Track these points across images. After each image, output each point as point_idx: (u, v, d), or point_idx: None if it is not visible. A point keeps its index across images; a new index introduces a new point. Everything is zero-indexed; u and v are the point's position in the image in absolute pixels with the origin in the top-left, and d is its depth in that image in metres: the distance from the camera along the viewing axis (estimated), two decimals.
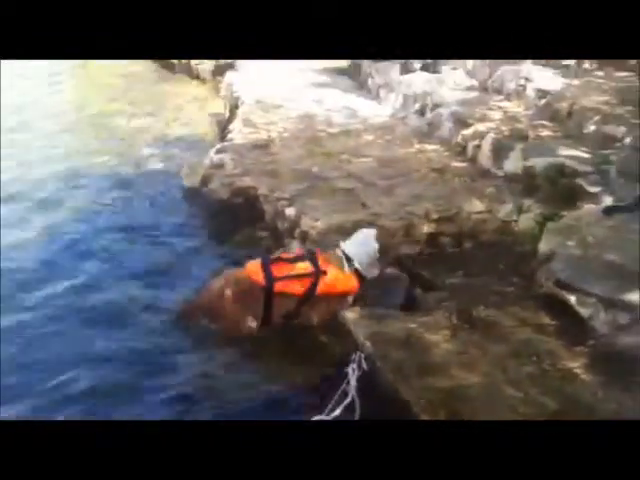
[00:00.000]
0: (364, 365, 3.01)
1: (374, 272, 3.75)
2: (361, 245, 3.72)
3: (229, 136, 6.23)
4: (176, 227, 5.10)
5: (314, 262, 3.59)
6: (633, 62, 6.32)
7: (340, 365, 3.10)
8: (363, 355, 3.05)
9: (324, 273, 3.55)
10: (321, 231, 4.27)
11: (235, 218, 4.96)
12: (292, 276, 3.54)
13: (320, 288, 3.54)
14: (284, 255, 3.79)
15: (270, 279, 3.50)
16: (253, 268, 3.58)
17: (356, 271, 3.65)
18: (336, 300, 3.63)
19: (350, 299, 3.67)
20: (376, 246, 3.71)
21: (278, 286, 3.51)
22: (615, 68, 6.41)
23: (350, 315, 3.35)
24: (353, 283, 3.64)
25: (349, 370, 2.99)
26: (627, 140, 4.62)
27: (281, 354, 3.50)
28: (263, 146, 5.86)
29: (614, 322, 3.10)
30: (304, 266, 3.59)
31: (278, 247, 4.49)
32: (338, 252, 3.70)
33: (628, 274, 3.25)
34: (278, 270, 3.56)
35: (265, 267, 3.55)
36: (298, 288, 3.53)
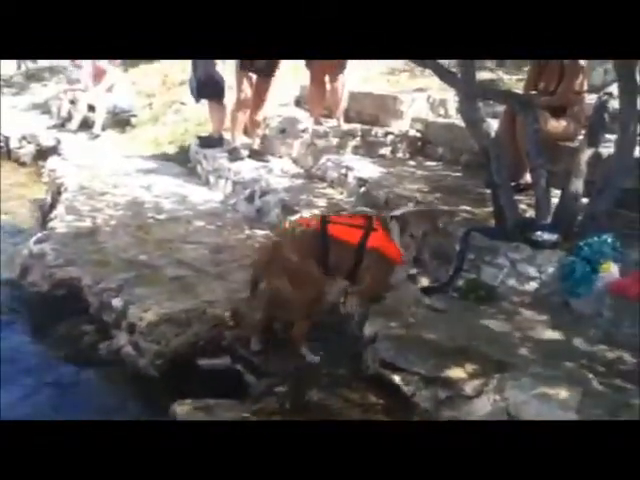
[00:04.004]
0: None
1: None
2: None
3: (50, 224, 5.95)
4: None
5: (368, 219, 3.85)
6: (440, 151, 6.97)
7: None
8: None
9: (374, 230, 3.74)
10: (150, 322, 4.15)
11: (57, 311, 4.68)
12: (345, 224, 3.81)
13: (370, 242, 3.72)
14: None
15: (324, 220, 3.78)
16: (309, 218, 4.03)
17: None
18: (386, 266, 3.84)
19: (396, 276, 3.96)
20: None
21: (332, 229, 3.73)
22: (425, 158, 7.03)
23: (180, 409, 3.25)
24: (398, 253, 3.79)
25: None
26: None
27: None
28: (88, 234, 5.65)
29: (435, 398, 3.28)
30: (358, 220, 3.88)
31: (103, 340, 4.29)
32: (393, 222, 3.84)
33: (445, 352, 3.48)
34: (333, 219, 3.88)
35: (321, 216, 3.94)
36: (352, 236, 3.74)
